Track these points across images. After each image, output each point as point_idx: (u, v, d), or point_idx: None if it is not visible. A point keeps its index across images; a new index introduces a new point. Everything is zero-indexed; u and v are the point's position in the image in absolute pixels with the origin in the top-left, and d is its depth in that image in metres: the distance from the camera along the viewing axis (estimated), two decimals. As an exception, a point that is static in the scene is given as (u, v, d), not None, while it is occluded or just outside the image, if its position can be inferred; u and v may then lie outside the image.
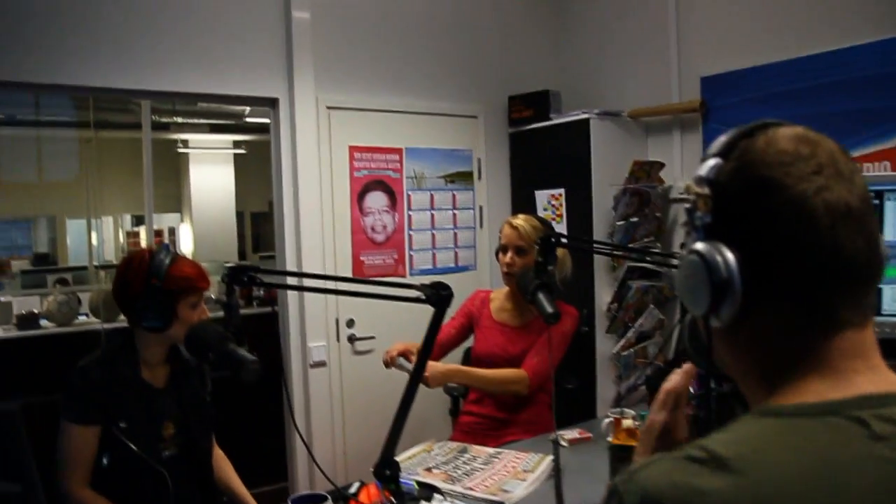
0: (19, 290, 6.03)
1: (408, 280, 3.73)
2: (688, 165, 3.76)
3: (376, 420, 3.69)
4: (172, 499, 1.95)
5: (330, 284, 3.05)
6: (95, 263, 7.06)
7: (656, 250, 3.64)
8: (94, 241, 8.70)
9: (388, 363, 2.51)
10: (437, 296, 1.82)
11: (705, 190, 0.80)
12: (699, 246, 0.79)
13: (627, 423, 1.66)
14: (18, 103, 6.78)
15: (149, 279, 1.93)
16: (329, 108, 3.57)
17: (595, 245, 3.07)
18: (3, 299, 4.74)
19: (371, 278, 3.57)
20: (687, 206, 0.81)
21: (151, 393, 2.02)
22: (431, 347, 1.88)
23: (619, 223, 3.66)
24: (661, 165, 3.76)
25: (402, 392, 1.87)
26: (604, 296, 3.76)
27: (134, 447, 1.90)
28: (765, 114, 3.26)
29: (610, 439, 2.30)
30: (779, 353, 0.78)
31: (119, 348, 2.02)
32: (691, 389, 2.23)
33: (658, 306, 3.81)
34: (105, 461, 1.92)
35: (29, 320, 4.22)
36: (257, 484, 4.20)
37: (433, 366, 2.40)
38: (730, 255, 0.76)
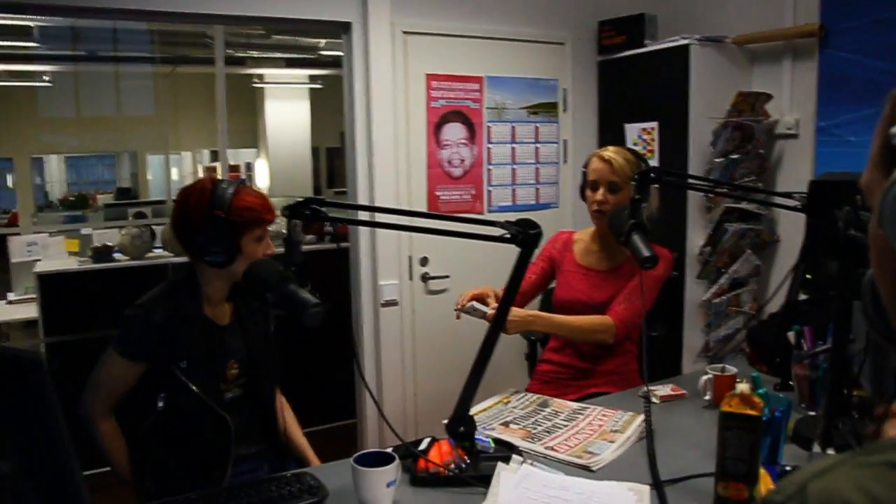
0: (101, 222, 6.11)
1: (486, 217, 3.52)
2: (799, 98, 3.39)
3: (449, 363, 3.59)
4: (233, 444, 1.84)
5: (402, 220, 2.88)
6: (174, 198, 7.12)
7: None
8: (175, 175, 8.82)
9: (460, 310, 2.31)
10: (525, 235, 1.62)
11: None
12: None
13: (743, 387, 1.43)
14: (97, 39, 6.79)
15: (211, 210, 1.78)
16: (405, 32, 3.35)
17: (699, 182, 2.79)
18: (84, 232, 4.77)
19: (450, 214, 3.39)
20: None
21: (215, 330, 1.90)
22: (516, 292, 1.70)
23: (717, 160, 3.34)
24: (768, 97, 3.41)
25: (482, 340, 1.68)
26: (696, 238, 3.48)
27: (195, 388, 1.78)
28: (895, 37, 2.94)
29: (708, 398, 2.09)
30: None
31: (180, 284, 1.89)
32: (804, 345, 1.99)
33: (755, 251, 3.52)
34: (161, 403, 1.81)
35: (103, 253, 4.20)
36: (327, 420, 4.21)
37: (513, 311, 2.20)
38: None
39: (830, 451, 1.63)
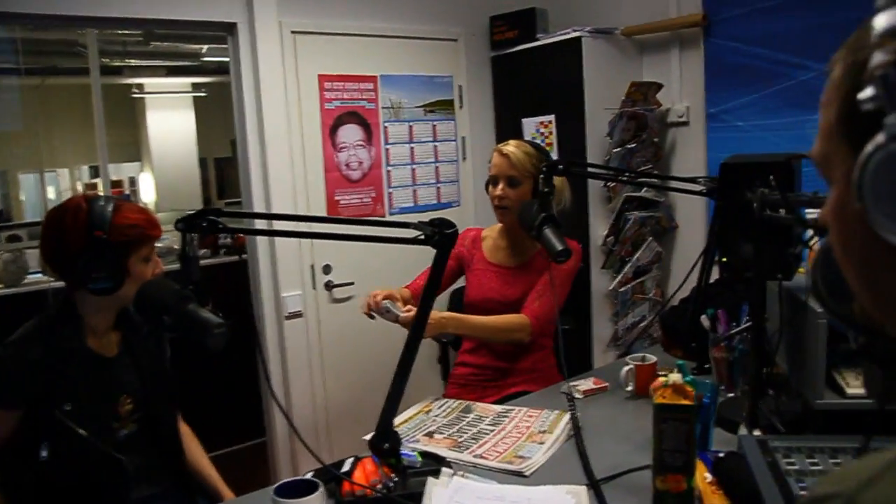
0: (-30, 249, 5.62)
1: (391, 219, 3.43)
2: (688, 86, 3.47)
3: (359, 373, 3.48)
4: (132, 487, 1.66)
5: (308, 227, 2.75)
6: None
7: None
8: (52, 194, 8.26)
9: (372, 309, 2.20)
10: (441, 235, 1.54)
11: None
12: None
13: (674, 377, 1.40)
14: (-49, 51, 6.24)
15: (90, 232, 1.61)
16: (294, 32, 3.21)
17: (608, 172, 2.80)
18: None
19: (355, 218, 3.28)
20: (880, 71, 0.51)
21: (102, 364, 1.71)
22: (434, 294, 1.62)
23: (615, 150, 3.38)
24: (659, 87, 3.47)
25: (403, 347, 1.59)
26: (598, 229, 3.51)
27: (82, 432, 1.60)
28: (774, 26, 3.02)
29: (630, 388, 2.07)
30: None
31: (57, 316, 1.69)
32: (719, 328, 2.00)
33: (656, 238, 3.58)
34: (44, 452, 1.60)
35: (-26, 281, 3.86)
36: (232, 441, 4.01)
37: (408, 319, 2.13)
38: None
39: (757, 432, 1.63)
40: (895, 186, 0.51)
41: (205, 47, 6.37)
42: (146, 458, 1.74)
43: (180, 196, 7.45)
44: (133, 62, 6.66)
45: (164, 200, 7.49)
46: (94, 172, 7.77)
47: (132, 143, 7.99)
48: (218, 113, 7.96)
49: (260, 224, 3.03)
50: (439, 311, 2.27)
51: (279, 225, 2.80)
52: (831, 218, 0.61)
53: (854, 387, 1.60)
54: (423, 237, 1.58)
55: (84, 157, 7.67)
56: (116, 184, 7.57)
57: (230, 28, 3.14)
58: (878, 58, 0.51)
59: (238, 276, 3.59)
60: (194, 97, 7.81)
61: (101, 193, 5.83)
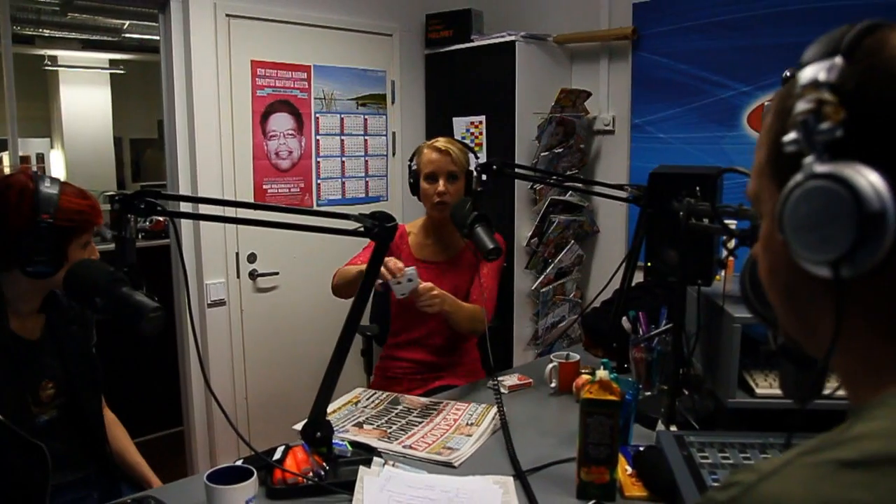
0: None
1: (327, 210, 3.42)
2: (615, 96, 3.59)
3: (281, 363, 3.46)
4: (52, 475, 1.61)
5: (241, 214, 2.71)
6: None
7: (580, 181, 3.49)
8: (-52, 167, 7.80)
9: (393, 277, 2.04)
10: (382, 228, 1.56)
11: (828, 96, 0.58)
12: (831, 168, 0.57)
13: (602, 374, 1.46)
14: None
15: (35, 214, 1.55)
16: (229, 15, 3.15)
17: (539, 174, 2.87)
18: None
19: (299, 207, 3.23)
20: (801, 118, 0.58)
21: (23, 347, 1.65)
22: (372, 287, 1.64)
23: (543, 154, 3.46)
24: (588, 95, 3.58)
25: (338, 337, 1.61)
26: (523, 230, 3.59)
27: (0, 417, 1.54)
28: (701, 44, 3.18)
29: (553, 385, 2.14)
30: None
31: None
32: (640, 330, 2.10)
33: (578, 242, 3.69)
34: None
35: None
36: (148, 430, 3.90)
37: (429, 287, 2.10)
38: (878, 180, 0.55)
39: (673, 428, 1.72)
40: (810, 220, 0.58)
41: (126, 23, 6.14)
42: (68, 444, 1.69)
43: (93, 177, 7.15)
44: (47, 32, 6.36)
45: (74, 180, 7.06)
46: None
47: (42, 118, 7.63)
48: (137, 92, 7.70)
49: (201, 208, 2.96)
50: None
51: (212, 210, 2.75)
52: (761, 249, 0.69)
53: (763, 387, 1.71)
54: (362, 229, 1.61)
55: (-13, 129, 7.27)
56: (23, 160, 7.22)
57: (162, 6, 3.06)
58: (800, 106, 0.59)
59: (157, 262, 3.51)
60: (111, 74, 7.52)
61: (8, 169, 5.57)
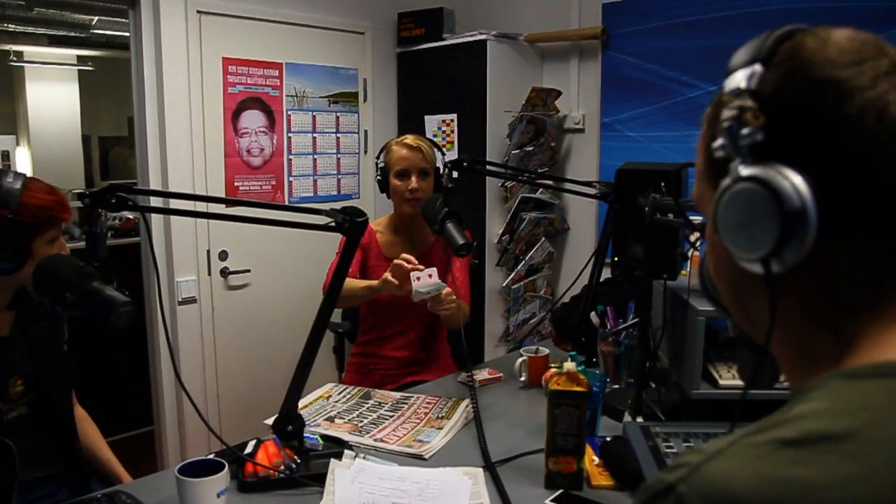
0: None
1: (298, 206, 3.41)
2: (585, 95, 3.64)
3: (252, 361, 3.45)
4: (21, 472, 1.60)
5: (212, 210, 2.71)
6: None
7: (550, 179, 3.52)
8: (-89, 164, 7.65)
9: (420, 284, 2.02)
10: (352, 223, 1.58)
11: (749, 102, 0.61)
12: (754, 171, 0.60)
13: (569, 365, 1.49)
14: None
15: None
16: (200, 12, 3.14)
17: (507, 171, 2.90)
18: None
19: (273, 202, 3.23)
20: (726, 124, 0.62)
21: None
22: (342, 282, 1.66)
23: (514, 152, 3.50)
24: (558, 94, 3.62)
25: (309, 332, 1.62)
26: (494, 227, 3.62)
27: None
28: (670, 44, 3.23)
29: (523, 379, 2.17)
30: (855, 302, 0.61)
31: None
32: (608, 324, 2.13)
33: (549, 239, 3.73)
34: None
35: None
36: (117, 430, 3.87)
37: (449, 291, 2.08)
38: (798, 180, 0.58)
39: (640, 419, 1.76)
40: (738, 221, 0.62)
41: (95, 18, 6.06)
42: (37, 441, 1.68)
43: (61, 175, 7.04)
44: (12, 27, 6.25)
45: (42, 177, 7.06)
46: (-37, 143, 7.27)
47: (7, 115, 7.51)
48: (105, 89, 7.61)
49: (174, 204, 2.94)
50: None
51: (185, 206, 2.74)
52: (708, 248, 0.73)
53: (726, 378, 1.76)
54: (333, 224, 1.62)
55: (-51, 126, 7.16)
56: (-11, 157, 7.11)
57: (132, 2, 3.04)
58: (724, 113, 0.62)
59: (126, 260, 3.48)
60: (79, 70, 7.42)
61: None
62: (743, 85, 0.61)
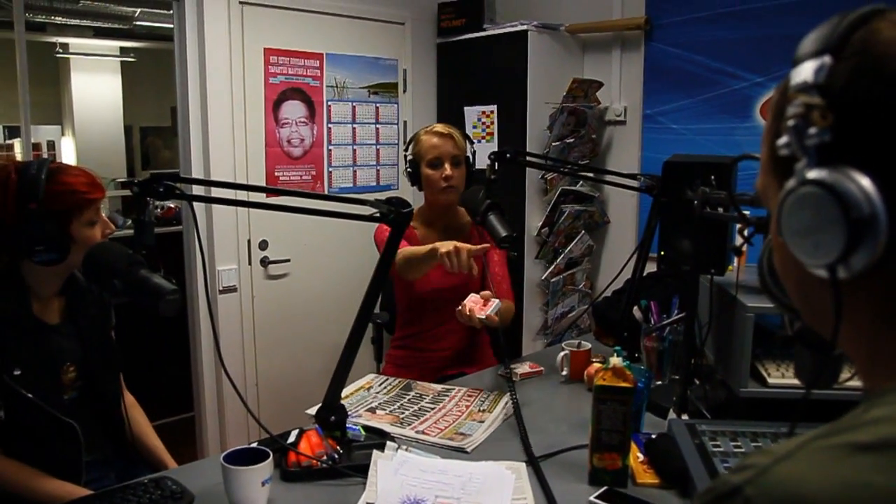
0: None
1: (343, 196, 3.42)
2: (627, 86, 3.59)
3: (291, 350, 3.47)
4: (84, 452, 1.64)
5: (255, 199, 2.72)
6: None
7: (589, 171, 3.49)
8: (-39, 154, 7.84)
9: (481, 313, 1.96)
10: (398, 214, 1.57)
11: (816, 99, 0.57)
12: (819, 174, 0.57)
13: (615, 361, 1.47)
14: None
15: (23, 204, 1.55)
16: (242, 2, 3.16)
17: (549, 162, 2.86)
18: None
19: (317, 192, 3.25)
20: (791, 122, 0.58)
21: (45, 331, 1.67)
22: (387, 274, 1.65)
23: (554, 144, 3.46)
24: (600, 85, 3.58)
25: (353, 322, 1.62)
26: (534, 220, 3.60)
27: (35, 398, 1.57)
28: (716, 34, 3.17)
29: (565, 373, 2.15)
30: None
31: (0, 282, 1.63)
32: (651, 319, 2.10)
33: (588, 232, 3.69)
34: (1, 414, 1.57)
35: None
36: (161, 416, 3.92)
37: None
38: (867, 183, 0.54)
39: (685, 417, 1.73)
40: (803, 226, 0.59)
41: (138, 11, 6.15)
42: (87, 426, 1.71)
43: (103, 164, 7.17)
44: (59, 20, 6.37)
45: (85, 167, 7.21)
46: (10, 133, 7.42)
47: (53, 105, 7.65)
48: (147, 80, 7.70)
49: (219, 193, 2.97)
50: None
51: (227, 195, 2.76)
52: (774, 246, 0.69)
53: (775, 377, 1.72)
54: (378, 215, 1.61)
55: (0, 116, 7.31)
56: (35, 147, 7.24)
57: (176, -6, 3.07)
58: (790, 110, 0.59)
59: (168, 249, 3.52)
60: (122, 62, 7.53)
61: (20, 156, 5.60)
62: (811, 79, 0.57)
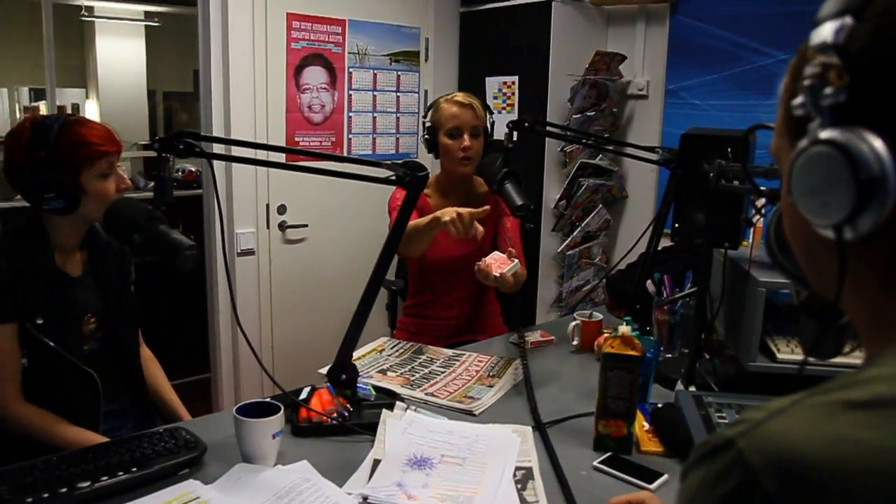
0: None
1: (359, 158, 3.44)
2: (650, 60, 3.55)
3: (306, 314, 3.52)
4: (103, 401, 1.69)
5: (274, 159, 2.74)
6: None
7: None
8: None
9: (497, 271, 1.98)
10: (413, 177, 1.58)
11: (834, 59, 0.57)
12: (832, 133, 0.57)
13: (624, 329, 1.48)
14: None
15: (33, 152, 1.58)
16: (265, -34, 3.15)
17: (568, 133, 2.85)
18: None
19: (336, 154, 3.27)
20: (808, 82, 0.58)
21: (67, 283, 1.71)
22: (400, 237, 1.67)
23: (575, 116, 3.45)
24: (622, 58, 3.55)
25: (366, 284, 1.64)
26: (552, 192, 3.59)
27: (56, 346, 1.62)
28: (742, 9, 3.12)
29: (575, 343, 2.17)
30: None
31: (23, 232, 1.66)
32: (664, 292, 2.10)
33: (606, 206, 3.68)
34: (24, 361, 1.62)
35: None
36: (178, 376, 3.99)
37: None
38: (879, 144, 0.54)
39: (692, 389, 1.74)
40: (813, 185, 0.59)
41: (163, -26, 6.16)
42: (106, 376, 1.75)
43: (127, 128, 7.20)
44: (84, -18, 6.40)
45: (108, 130, 7.26)
46: (35, 96, 7.49)
47: (77, 68, 7.69)
48: (170, 45, 7.72)
49: (238, 152, 3.00)
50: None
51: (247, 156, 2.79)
52: (783, 207, 0.69)
53: (784, 352, 1.72)
54: (394, 177, 1.63)
55: (25, 78, 7.37)
56: (59, 109, 7.30)
57: (200, -44, 3.07)
58: (808, 70, 0.58)
59: (188, 211, 3.56)
60: (146, 26, 7.55)
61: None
62: (830, 39, 0.57)
